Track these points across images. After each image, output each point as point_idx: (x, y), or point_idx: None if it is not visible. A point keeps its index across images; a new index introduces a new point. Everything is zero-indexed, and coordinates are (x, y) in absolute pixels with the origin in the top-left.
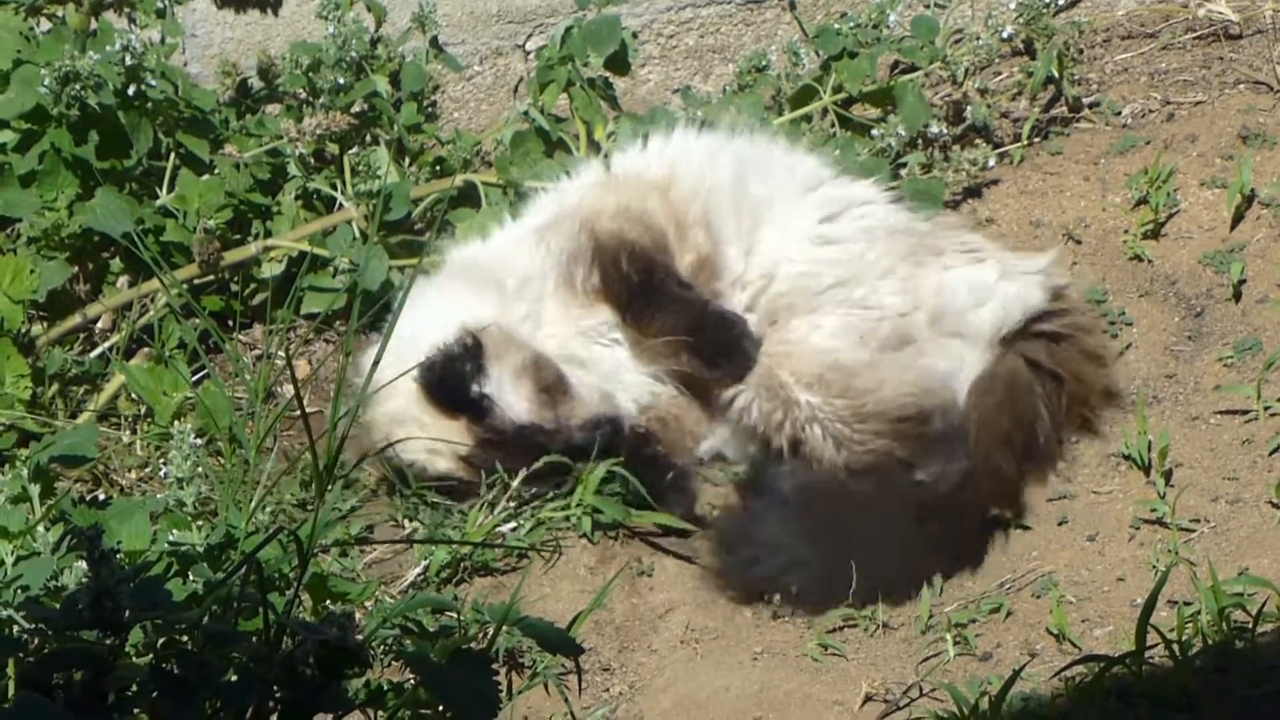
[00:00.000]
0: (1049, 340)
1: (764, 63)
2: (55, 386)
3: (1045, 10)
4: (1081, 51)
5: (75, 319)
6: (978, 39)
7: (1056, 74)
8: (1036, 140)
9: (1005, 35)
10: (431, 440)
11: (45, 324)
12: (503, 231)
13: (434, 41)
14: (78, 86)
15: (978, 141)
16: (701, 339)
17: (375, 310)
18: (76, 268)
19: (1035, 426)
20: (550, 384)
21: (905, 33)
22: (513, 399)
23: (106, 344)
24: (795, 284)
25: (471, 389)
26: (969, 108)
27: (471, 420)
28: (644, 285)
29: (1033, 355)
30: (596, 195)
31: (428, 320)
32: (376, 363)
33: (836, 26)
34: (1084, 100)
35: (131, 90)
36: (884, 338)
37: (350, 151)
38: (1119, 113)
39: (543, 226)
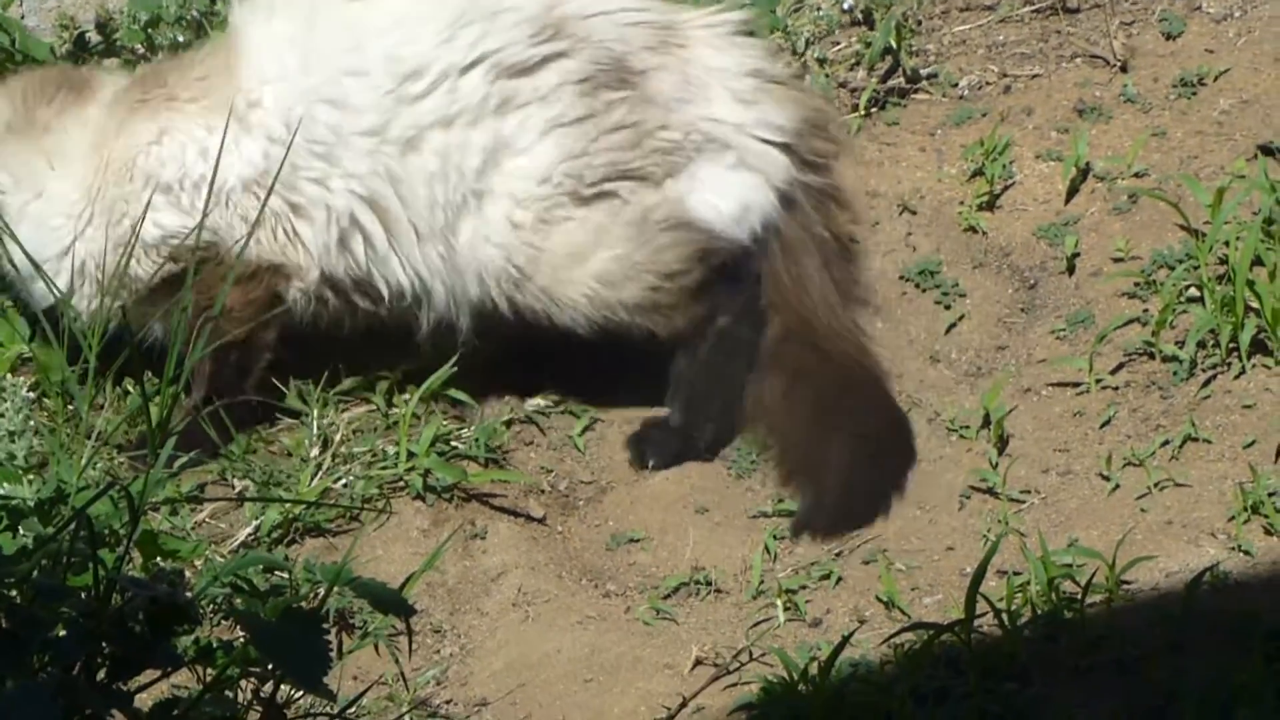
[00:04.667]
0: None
1: None
2: None
3: None
4: (920, 23)
5: None
6: (818, 9)
7: (895, 45)
8: (874, 111)
9: (845, 6)
10: None
11: None
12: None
13: None
14: None
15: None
16: None
17: None
18: None
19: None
20: None
21: (745, 0)
22: None
23: None
24: None
25: None
26: (808, 77)
27: None
28: None
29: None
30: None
31: None
32: None
33: None
34: (921, 71)
35: None
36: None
37: None
38: (956, 84)
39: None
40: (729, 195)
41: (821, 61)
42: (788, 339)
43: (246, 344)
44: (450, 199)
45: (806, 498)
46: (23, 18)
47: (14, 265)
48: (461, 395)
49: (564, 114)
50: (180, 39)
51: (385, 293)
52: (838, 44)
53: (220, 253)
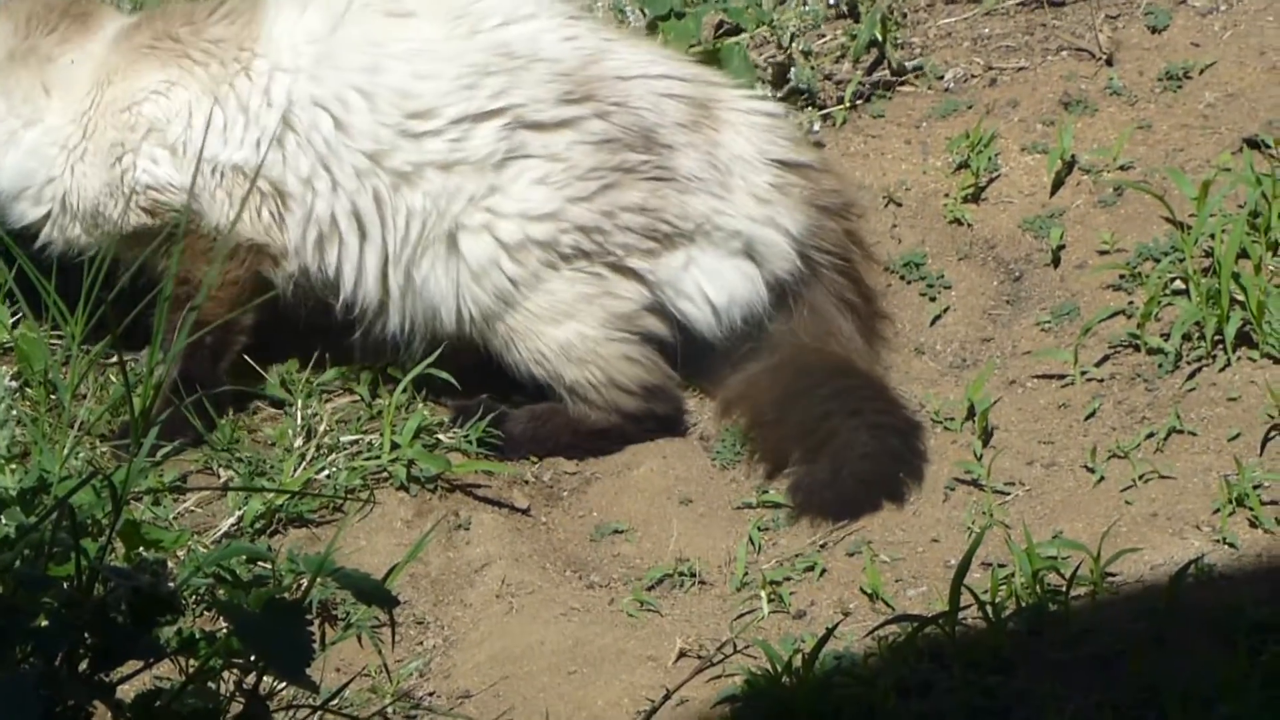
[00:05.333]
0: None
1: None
2: None
3: None
4: (905, 16)
5: None
6: (804, 3)
7: (880, 37)
8: (859, 103)
9: (831, 1)
10: None
11: None
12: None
13: None
14: None
15: (801, 104)
16: None
17: None
18: None
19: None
20: None
21: None
22: None
23: None
24: None
25: None
26: (793, 70)
27: None
28: None
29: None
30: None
31: None
32: None
33: None
34: (907, 64)
35: None
36: None
37: None
38: (941, 77)
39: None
40: (720, 285)
41: (807, 54)
42: (806, 355)
43: (223, 326)
44: (430, 235)
45: (814, 479)
46: None
47: None
48: (447, 376)
49: (582, 177)
50: None
51: (343, 300)
52: (823, 36)
53: (199, 224)
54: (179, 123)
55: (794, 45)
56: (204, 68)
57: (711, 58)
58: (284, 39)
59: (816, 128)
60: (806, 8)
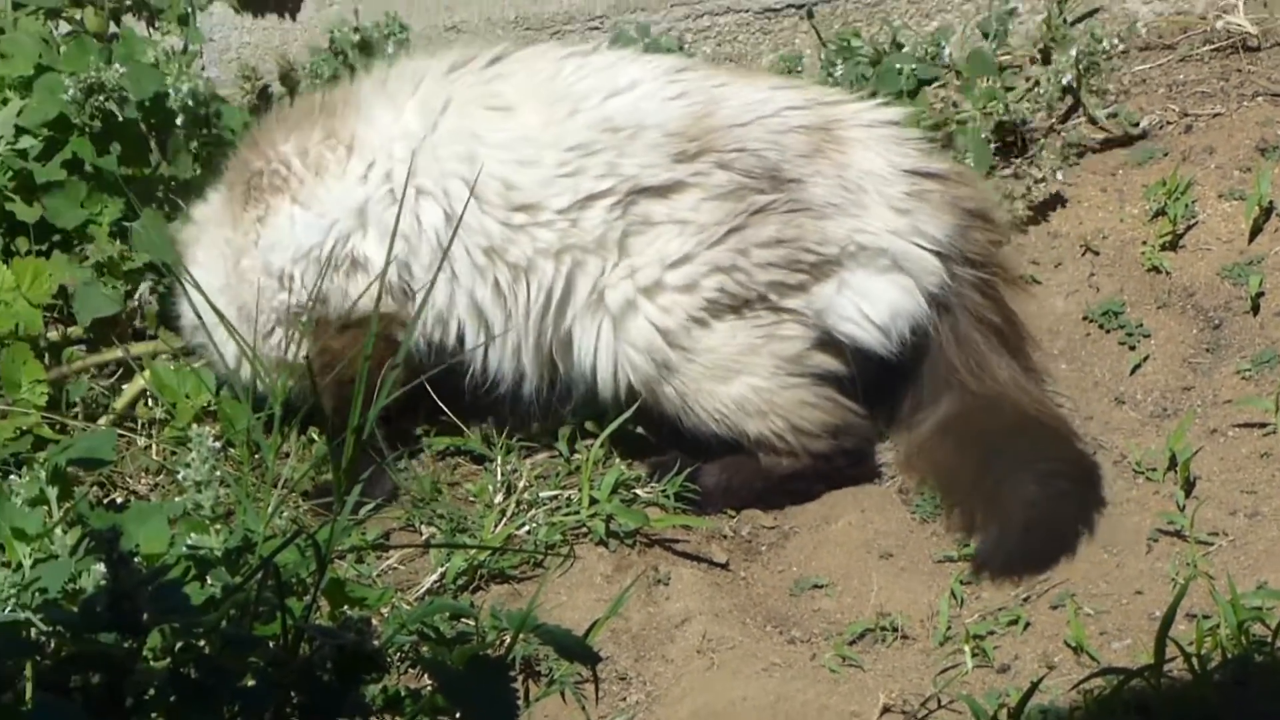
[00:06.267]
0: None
1: (797, 68)
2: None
3: (1063, 23)
4: (1099, 62)
5: (117, 353)
6: (1036, 84)
7: (1075, 84)
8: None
9: (1065, 82)
10: None
11: (71, 336)
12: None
13: None
14: (101, 98)
15: (1044, 153)
16: None
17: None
18: (134, 301)
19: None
20: None
21: (951, 57)
22: None
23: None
24: None
25: None
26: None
27: None
28: None
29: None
30: None
31: None
32: None
33: (898, 65)
34: (1102, 111)
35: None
36: None
37: None
38: (1137, 124)
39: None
40: (879, 301)
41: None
42: (972, 404)
43: (371, 386)
44: (558, 317)
45: (989, 536)
46: (203, 68)
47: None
48: (642, 431)
49: (710, 226)
50: None
51: (473, 373)
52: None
53: (327, 312)
54: (289, 248)
55: (1023, 127)
56: (303, 186)
57: (938, 128)
58: (378, 143)
59: (1059, 175)
60: (1041, 90)
